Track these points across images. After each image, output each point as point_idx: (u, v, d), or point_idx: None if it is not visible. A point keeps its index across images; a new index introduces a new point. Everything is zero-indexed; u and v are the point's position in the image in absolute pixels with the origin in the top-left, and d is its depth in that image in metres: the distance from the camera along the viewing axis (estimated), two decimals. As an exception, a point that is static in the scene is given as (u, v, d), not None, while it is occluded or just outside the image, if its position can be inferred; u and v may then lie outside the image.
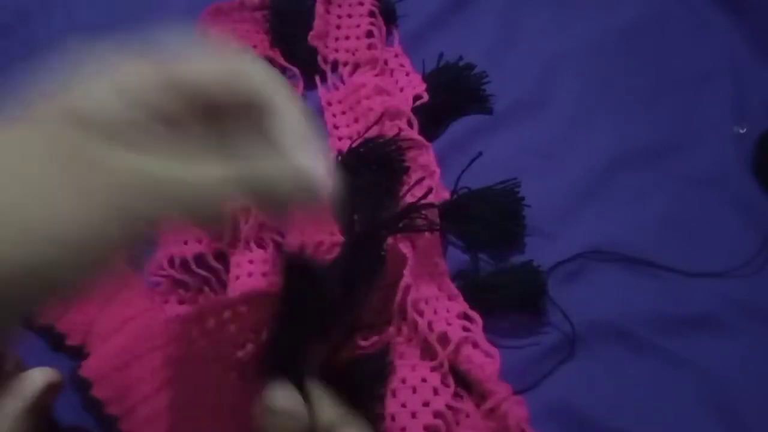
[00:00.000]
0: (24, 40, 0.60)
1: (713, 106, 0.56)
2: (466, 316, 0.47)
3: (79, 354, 0.45)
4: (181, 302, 0.48)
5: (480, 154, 0.52)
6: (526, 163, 0.54)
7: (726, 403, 0.46)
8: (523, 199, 0.52)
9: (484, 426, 0.44)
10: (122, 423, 0.42)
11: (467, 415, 0.44)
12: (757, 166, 0.54)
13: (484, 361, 0.44)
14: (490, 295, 0.48)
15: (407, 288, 0.45)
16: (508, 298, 0.48)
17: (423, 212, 0.47)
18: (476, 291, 0.48)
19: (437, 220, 0.49)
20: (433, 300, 0.47)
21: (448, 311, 0.47)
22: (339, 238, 0.47)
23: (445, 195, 0.52)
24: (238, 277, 0.48)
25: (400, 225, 0.46)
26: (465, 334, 0.45)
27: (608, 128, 0.57)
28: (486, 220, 0.51)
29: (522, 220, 0.52)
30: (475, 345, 0.45)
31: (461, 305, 0.47)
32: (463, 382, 0.45)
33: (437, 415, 0.43)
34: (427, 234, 0.48)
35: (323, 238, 0.47)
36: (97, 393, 0.42)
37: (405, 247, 0.47)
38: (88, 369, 0.43)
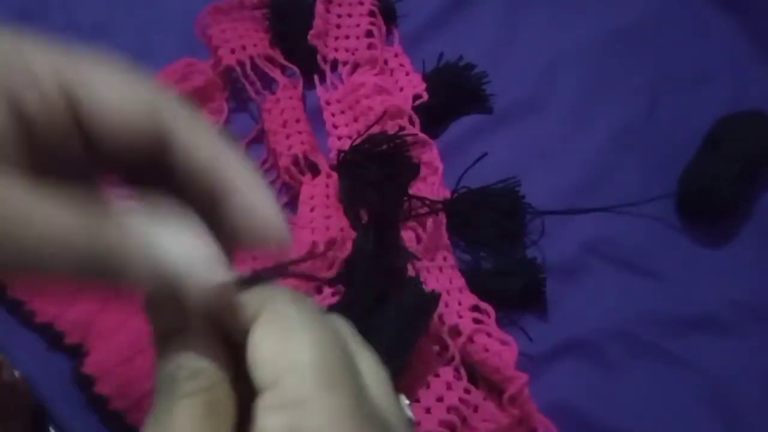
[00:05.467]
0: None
1: (713, 106, 0.56)
2: (477, 309, 0.47)
3: (77, 352, 0.45)
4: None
5: (485, 154, 0.52)
6: (526, 163, 0.54)
7: (726, 403, 0.46)
8: (523, 197, 0.52)
9: (499, 416, 0.44)
10: (129, 417, 0.42)
11: (475, 409, 0.44)
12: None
13: (501, 348, 0.45)
14: (490, 293, 0.48)
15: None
16: (508, 296, 0.48)
17: (426, 202, 0.46)
18: (477, 289, 0.48)
19: (440, 206, 0.49)
20: (444, 293, 0.47)
21: (459, 304, 0.47)
22: (351, 233, 0.47)
23: (446, 194, 0.52)
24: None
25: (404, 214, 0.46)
26: (477, 325, 0.46)
27: (608, 128, 0.57)
28: (486, 219, 0.51)
29: (522, 219, 0.52)
30: (489, 335, 0.46)
31: (472, 298, 0.48)
32: (472, 375, 0.45)
33: (451, 409, 0.43)
34: (431, 227, 0.48)
35: (335, 234, 0.46)
36: (100, 389, 0.42)
37: (410, 239, 0.47)
38: (90, 366, 0.43)
